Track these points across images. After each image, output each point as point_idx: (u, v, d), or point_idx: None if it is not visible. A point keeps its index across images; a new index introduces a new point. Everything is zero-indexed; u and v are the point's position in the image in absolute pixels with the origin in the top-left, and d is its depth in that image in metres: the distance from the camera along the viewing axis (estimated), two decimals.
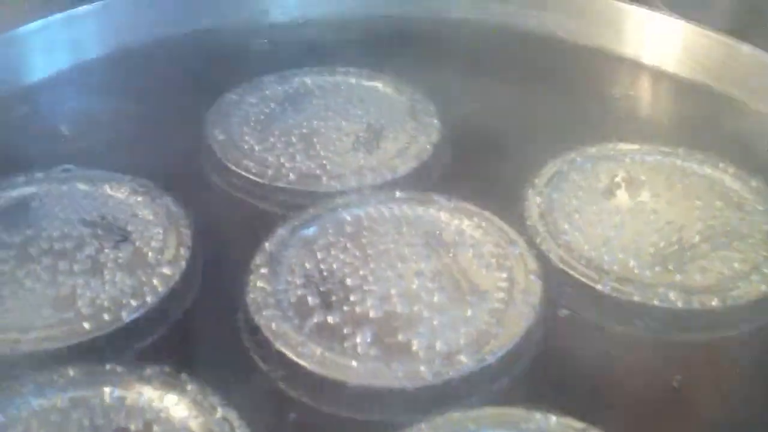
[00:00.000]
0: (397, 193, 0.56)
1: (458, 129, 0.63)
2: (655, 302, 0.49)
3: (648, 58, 0.71)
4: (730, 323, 0.49)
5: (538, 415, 0.42)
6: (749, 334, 0.49)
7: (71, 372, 0.43)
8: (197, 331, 0.49)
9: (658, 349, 0.48)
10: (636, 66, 0.72)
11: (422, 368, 0.45)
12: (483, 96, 0.67)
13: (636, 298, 0.49)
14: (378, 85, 0.68)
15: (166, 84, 0.68)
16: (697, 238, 0.53)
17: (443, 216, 0.55)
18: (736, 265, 0.51)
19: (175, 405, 0.42)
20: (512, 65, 0.71)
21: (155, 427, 0.41)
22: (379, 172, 0.59)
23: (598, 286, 0.50)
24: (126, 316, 0.47)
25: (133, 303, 0.48)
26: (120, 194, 0.56)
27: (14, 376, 0.43)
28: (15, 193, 0.56)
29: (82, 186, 0.56)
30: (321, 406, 0.44)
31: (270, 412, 0.44)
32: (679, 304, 0.49)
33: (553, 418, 0.42)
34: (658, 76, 0.71)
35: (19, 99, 0.65)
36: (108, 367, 0.44)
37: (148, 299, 0.48)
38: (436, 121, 0.64)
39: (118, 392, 0.43)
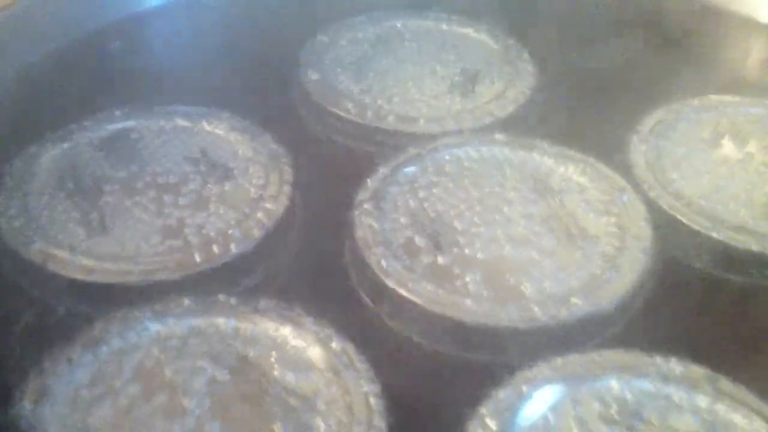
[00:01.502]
0: (497, 136, 0.55)
1: (555, 76, 0.62)
2: None
3: (763, 16, 0.69)
4: None
5: (658, 359, 0.41)
6: None
7: (186, 302, 0.43)
8: (305, 267, 0.48)
9: None
10: (748, 23, 0.69)
11: (536, 309, 0.44)
12: (580, 45, 0.65)
13: (754, 248, 0.48)
14: (470, 31, 0.66)
15: (259, 25, 0.67)
16: None
17: (547, 161, 0.54)
18: None
19: (292, 336, 0.42)
20: (613, 16, 0.69)
21: (274, 354, 0.41)
22: (476, 115, 0.58)
23: (713, 234, 0.48)
24: (235, 248, 0.47)
25: (239, 235, 0.48)
26: (219, 131, 0.55)
27: (130, 303, 0.43)
28: (115, 126, 0.55)
29: (180, 121, 0.56)
30: (435, 345, 0.44)
31: (384, 347, 0.43)
32: None
33: (674, 361, 0.41)
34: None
35: (116, 32, 0.65)
36: (222, 298, 0.44)
37: (255, 232, 0.48)
38: (531, 67, 0.62)
39: (233, 322, 0.43)
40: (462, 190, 0.51)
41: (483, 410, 0.39)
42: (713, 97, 0.59)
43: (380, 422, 0.38)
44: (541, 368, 0.41)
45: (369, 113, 0.57)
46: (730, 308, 0.47)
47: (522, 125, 0.58)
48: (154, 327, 0.42)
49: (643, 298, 0.46)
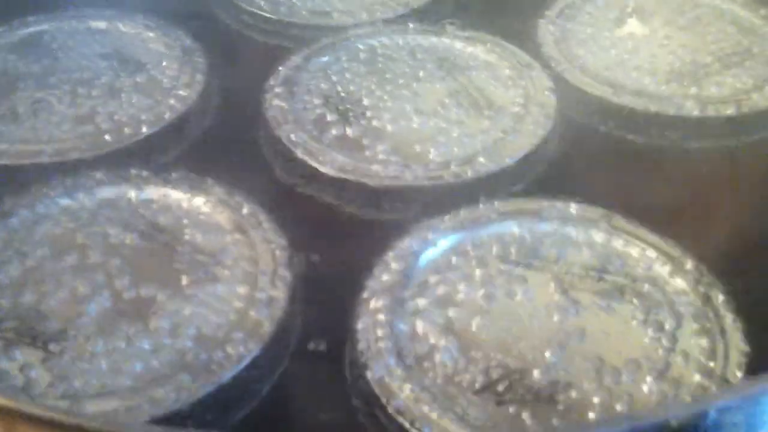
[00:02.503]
0: (410, 24, 0.56)
1: None
2: (671, 112, 0.49)
3: None
4: (745, 131, 0.49)
5: (558, 204, 0.43)
6: (762, 141, 0.50)
7: (98, 175, 0.44)
8: (218, 145, 0.49)
9: (674, 154, 0.49)
10: None
11: (441, 169, 0.45)
12: None
13: (652, 109, 0.49)
14: None
15: None
16: (709, 59, 0.53)
17: (457, 44, 0.55)
18: (748, 80, 0.52)
19: (202, 203, 0.43)
20: None
21: (184, 221, 0.42)
22: (389, 6, 0.59)
23: (614, 99, 0.50)
24: (146, 130, 0.47)
25: (151, 119, 0.48)
26: (133, 30, 0.56)
27: (42, 182, 0.44)
28: (28, 30, 0.56)
29: (94, 23, 0.56)
30: (344, 208, 0.45)
31: (294, 211, 0.44)
32: (695, 113, 0.49)
33: (573, 205, 0.43)
34: None
35: None
36: (134, 171, 0.44)
37: (167, 116, 0.49)
38: None
39: (145, 194, 0.43)
40: (374, 74, 0.52)
41: (387, 256, 0.41)
42: None
43: (285, 272, 0.39)
44: (445, 218, 0.43)
45: (282, 8, 0.58)
46: (631, 164, 0.48)
47: (435, 15, 0.58)
48: (64, 200, 0.43)
49: (546, 158, 0.48)
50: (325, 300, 0.40)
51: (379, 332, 0.37)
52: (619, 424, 0.27)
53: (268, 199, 0.44)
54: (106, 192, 0.43)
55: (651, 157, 0.48)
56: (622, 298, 0.39)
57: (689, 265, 0.40)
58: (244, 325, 0.37)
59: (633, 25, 0.57)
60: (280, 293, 0.38)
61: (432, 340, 0.37)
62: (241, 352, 0.36)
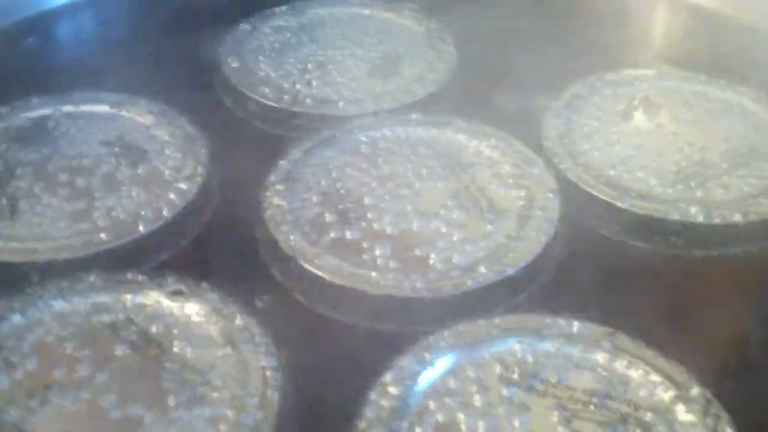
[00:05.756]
0: (413, 116, 0.56)
1: (476, 57, 0.63)
2: (676, 217, 0.48)
3: None
4: (752, 239, 0.48)
5: (561, 321, 0.42)
6: None
7: (92, 278, 0.43)
8: (216, 246, 0.49)
9: (679, 263, 0.48)
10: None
11: (441, 279, 0.45)
12: (500, 26, 0.66)
13: (656, 214, 0.48)
14: (392, 15, 0.67)
15: (181, 15, 0.67)
16: (718, 158, 0.53)
17: (460, 138, 0.54)
18: (756, 182, 0.51)
19: (195, 312, 0.42)
20: None
21: (175, 330, 0.41)
22: (396, 96, 0.58)
23: (618, 203, 0.49)
24: (143, 228, 0.47)
25: (150, 215, 0.48)
26: (137, 117, 0.56)
27: (36, 283, 0.43)
28: (31, 114, 0.55)
29: (98, 108, 0.56)
30: (341, 318, 0.44)
31: (289, 322, 0.43)
32: (700, 219, 0.48)
33: (576, 323, 0.42)
34: (682, 6, 0.69)
35: (33, 27, 0.64)
36: (129, 275, 0.44)
37: (165, 213, 0.48)
38: (453, 48, 0.63)
39: (138, 299, 0.43)
40: (375, 168, 0.52)
41: (384, 378, 0.39)
42: (629, 71, 0.60)
43: (274, 395, 0.38)
44: (444, 335, 0.42)
45: (286, 97, 0.58)
46: (635, 273, 0.47)
47: (440, 105, 0.58)
48: (58, 304, 0.42)
49: (549, 266, 0.47)
50: (316, 428, 0.39)
51: None
52: None
53: (263, 306, 0.43)
54: (101, 296, 0.43)
55: (656, 266, 0.47)
56: (625, 429, 0.38)
57: (694, 391, 0.39)
58: None
59: (639, 119, 0.56)
60: (268, 418, 0.37)
61: None
62: None
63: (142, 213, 0.48)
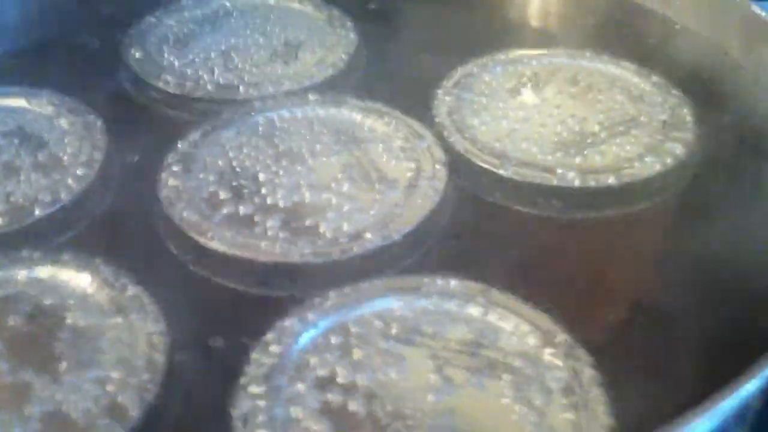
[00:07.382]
0: (311, 96, 0.58)
1: (373, 41, 0.65)
2: (554, 182, 0.51)
3: None
4: (627, 201, 0.51)
5: (439, 280, 0.44)
6: (645, 211, 0.52)
7: None
8: (113, 226, 0.50)
9: (555, 225, 0.50)
10: None
11: (329, 246, 0.47)
12: (400, 10, 0.68)
13: (536, 180, 0.51)
14: (295, 4, 0.69)
15: (87, 9, 0.69)
16: (597, 128, 0.55)
17: (356, 116, 0.56)
18: (632, 148, 0.54)
19: (89, 284, 0.44)
20: None
21: (69, 302, 0.43)
22: (295, 79, 0.60)
23: (501, 171, 0.52)
24: (38, 212, 0.48)
25: (47, 200, 0.49)
26: (38, 108, 0.57)
27: None
28: None
29: (1, 101, 0.57)
30: (232, 286, 0.46)
31: (180, 291, 0.45)
32: (577, 183, 0.51)
33: (452, 281, 0.44)
34: None
35: None
36: (25, 252, 0.45)
37: (63, 196, 0.49)
38: (353, 34, 0.65)
39: (33, 273, 0.44)
40: (271, 147, 0.54)
41: (266, 338, 0.41)
42: (519, 51, 0.63)
43: (160, 357, 0.40)
44: (328, 297, 0.44)
45: (188, 84, 0.59)
46: (514, 235, 0.50)
47: (338, 88, 0.60)
48: None
49: (435, 231, 0.49)
50: (201, 386, 0.40)
51: (258, 419, 0.38)
52: None
53: (157, 278, 0.45)
54: None
55: (534, 228, 0.50)
56: (494, 374, 0.40)
57: (559, 338, 0.41)
58: (112, 411, 0.37)
59: (526, 95, 0.59)
60: (154, 379, 0.39)
61: (306, 425, 0.38)
62: None
63: (40, 197, 0.49)
